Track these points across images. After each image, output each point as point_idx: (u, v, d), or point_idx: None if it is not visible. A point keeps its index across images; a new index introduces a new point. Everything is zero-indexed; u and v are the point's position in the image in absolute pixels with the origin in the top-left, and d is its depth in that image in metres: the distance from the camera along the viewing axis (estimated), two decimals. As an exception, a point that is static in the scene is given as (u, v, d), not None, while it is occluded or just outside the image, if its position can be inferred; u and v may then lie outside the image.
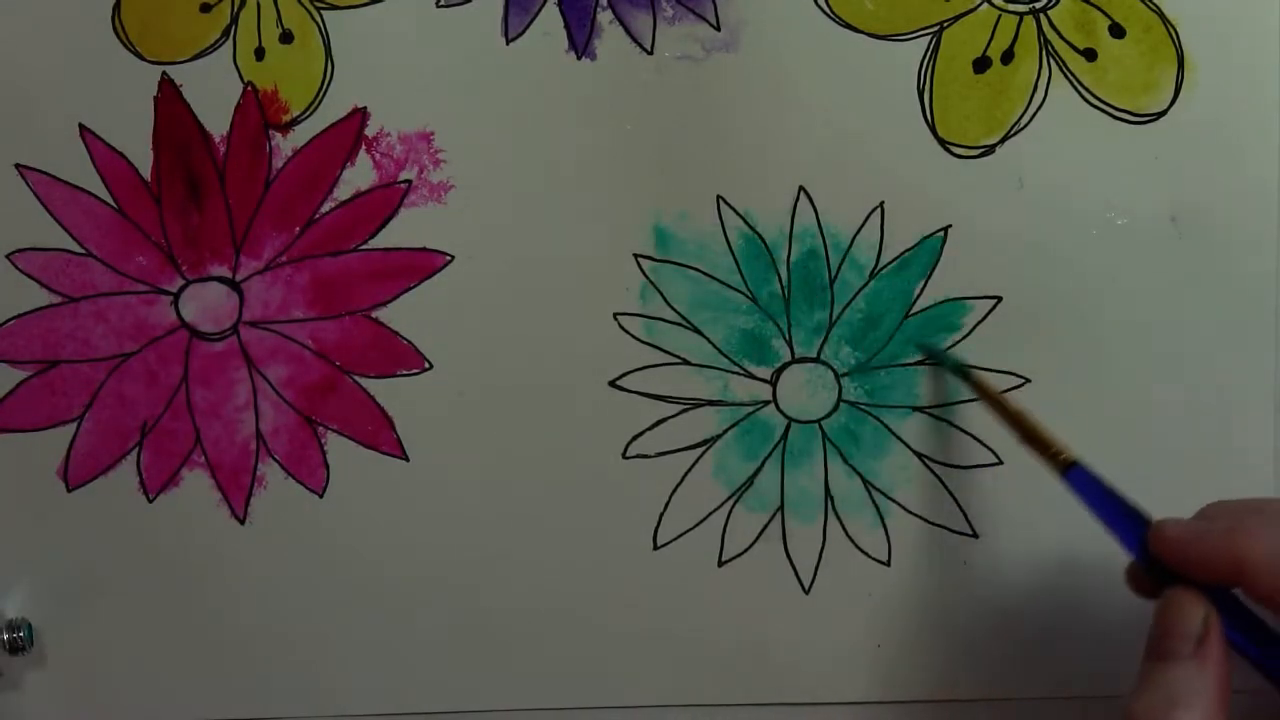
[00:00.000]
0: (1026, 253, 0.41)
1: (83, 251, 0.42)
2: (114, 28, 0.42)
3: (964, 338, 0.42)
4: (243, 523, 0.43)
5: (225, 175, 0.41)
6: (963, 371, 0.40)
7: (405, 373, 0.42)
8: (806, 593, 0.42)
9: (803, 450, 0.42)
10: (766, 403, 0.42)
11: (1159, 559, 0.32)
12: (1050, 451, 0.36)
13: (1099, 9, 0.41)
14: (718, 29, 0.41)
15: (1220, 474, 0.42)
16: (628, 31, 0.41)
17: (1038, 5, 0.41)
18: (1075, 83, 0.41)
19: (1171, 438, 0.42)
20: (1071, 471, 0.36)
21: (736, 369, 0.42)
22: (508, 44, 0.42)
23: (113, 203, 0.42)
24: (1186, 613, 0.31)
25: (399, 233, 0.42)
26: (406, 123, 0.42)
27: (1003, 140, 0.41)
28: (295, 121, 0.42)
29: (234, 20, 0.42)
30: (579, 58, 0.42)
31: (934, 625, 0.42)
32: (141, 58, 0.42)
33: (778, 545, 0.42)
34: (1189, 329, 0.41)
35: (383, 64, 0.42)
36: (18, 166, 0.42)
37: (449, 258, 0.42)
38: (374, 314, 0.42)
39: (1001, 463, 0.42)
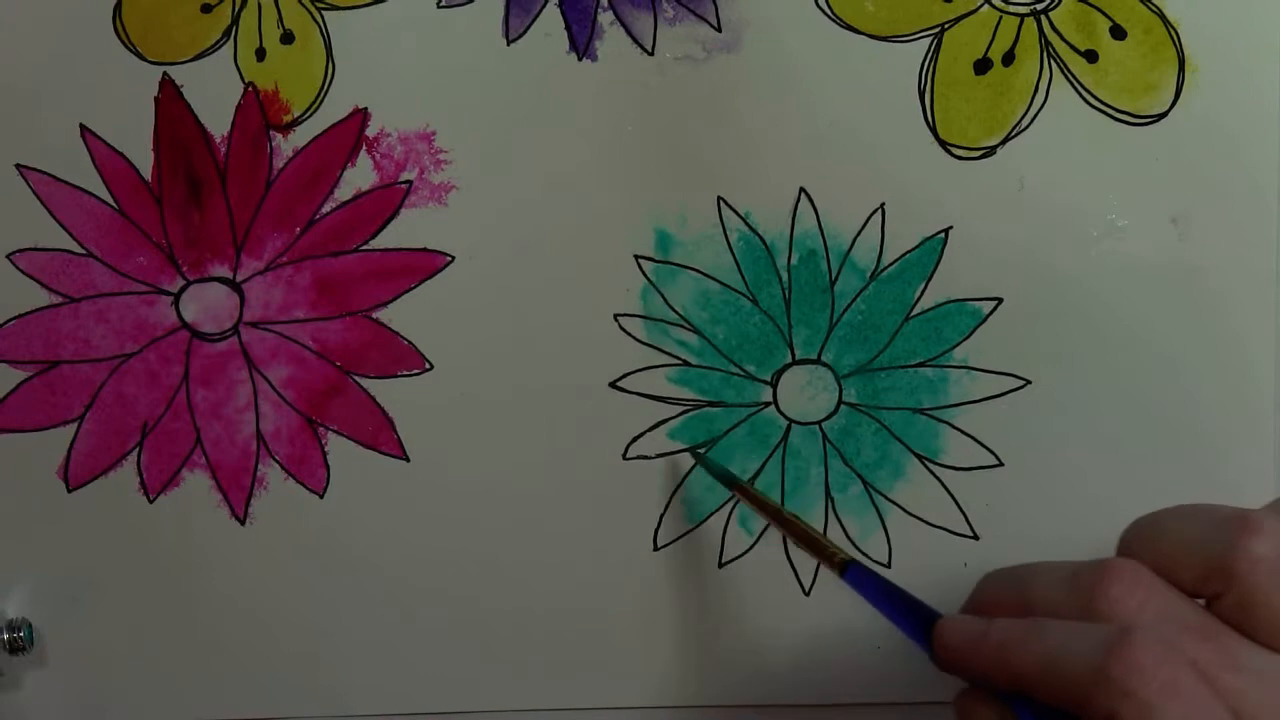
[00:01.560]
0: (1027, 254, 0.41)
1: (83, 252, 0.42)
2: (115, 28, 0.42)
3: (965, 339, 0.42)
4: (243, 523, 0.43)
5: (226, 175, 0.41)
6: (730, 480, 0.40)
7: (406, 373, 0.42)
8: (807, 594, 0.42)
9: (803, 452, 0.42)
10: (767, 404, 0.42)
11: (946, 667, 0.31)
12: (826, 553, 0.35)
13: (1100, 10, 0.41)
14: (719, 30, 0.41)
15: (1220, 474, 0.42)
16: (628, 32, 0.41)
17: (1039, 7, 0.41)
18: (1076, 84, 0.41)
19: (1171, 438, 0.42)
20: (849, 572, 0.34)
21: (737, 370, 0.42)
22: (509, 45, 0.42)
23: (113, 203, 0.42)
24: (979, 716, 0.30)
25: (400, 233, 0.42)
26: (407, 123, 0.42)
27: (1004, 142, 0.41)
28: (296, 122, 0.42)
29: (235, 20, 0.42)
30: (580, 59, 0.42)
31: (934, 627, 0.42)
32: (142, 58, 0.42)
33: (778, 547, 0.42)
34: (1189, 330, 0.41)
35: (384, 64, 0.42)
36: (18, 166, 0.42)
37: (450, 258, 0.42)
38: (375, 314, 0.42)
39: (1002, 464, 0.42)
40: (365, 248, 0.42)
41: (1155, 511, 0.32)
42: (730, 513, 0.42)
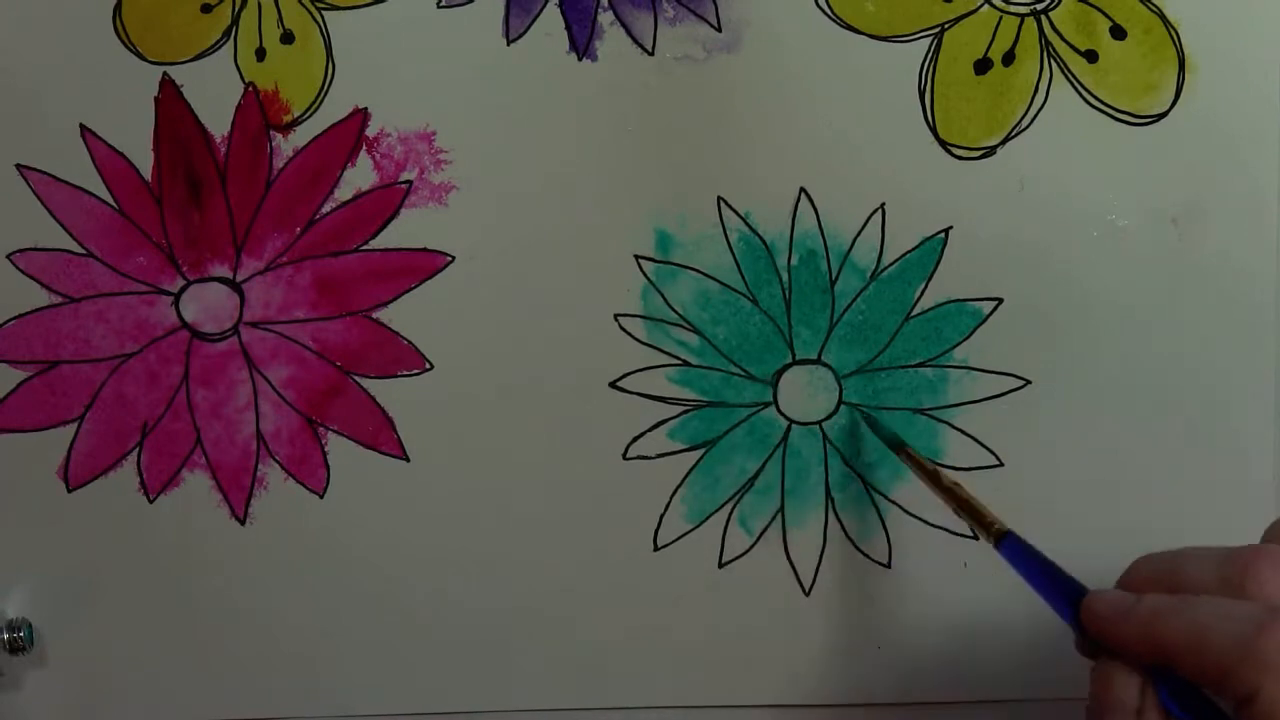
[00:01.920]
0: (1027, 254, 0.41)
1: (83, 252, 0.42)
2: (115, 28, 0.42)
3: (965, 339, 0.42)
4: (243, 523, 0.42)
5: (226, 175, 0.41)
6: (898, 445, 0.40)
7: (406, 373, 0.42)
8: (807, 594, 0.42)
9: (803, 452, 0.42)
10: (767, 404, 0.42)
11: (1092, 636, 0.31)
12: (984, 522, 0.36)
13: (1100, 10, 0.41)
14: (719, 30, 0.41)
15: (1221, 475, 0.42)
16: (629, 32, 0.41)
17: (1039, 7, 0.41)
18: (1076, 84, 0.41)
19: (1172, 438, 0.42)
20: (1004, 542, 0.35)
21: (737, 371, 0.42)
22: (509, 45, 0.42)
23: (113, 203, 0.42)
24: (1122, 687, 0.30)
25: (400, 233, 0.42)
26: (407, 123, 0.42)
27: (1004, 142, 0.41)
28: (296, 122, 0.42)
29: (235, 20, 0.42)
30: (580, 58, 0.42)
31: (934, 627, 0.42)
32: (142, 58, 0.42)
33: (778, 547, 0.42)
34: (1190, 330, 0.41)
35: (384, 64, 0.42)
36: (18, 166, 0.42)
37: (450, 258, 0.42)
38: (375, 314, 0.42)
39: (1002, 464, 0.42)
40: (365, 248, 0.42)
41: None
42: (730, 513, 0.42)
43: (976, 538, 0.42)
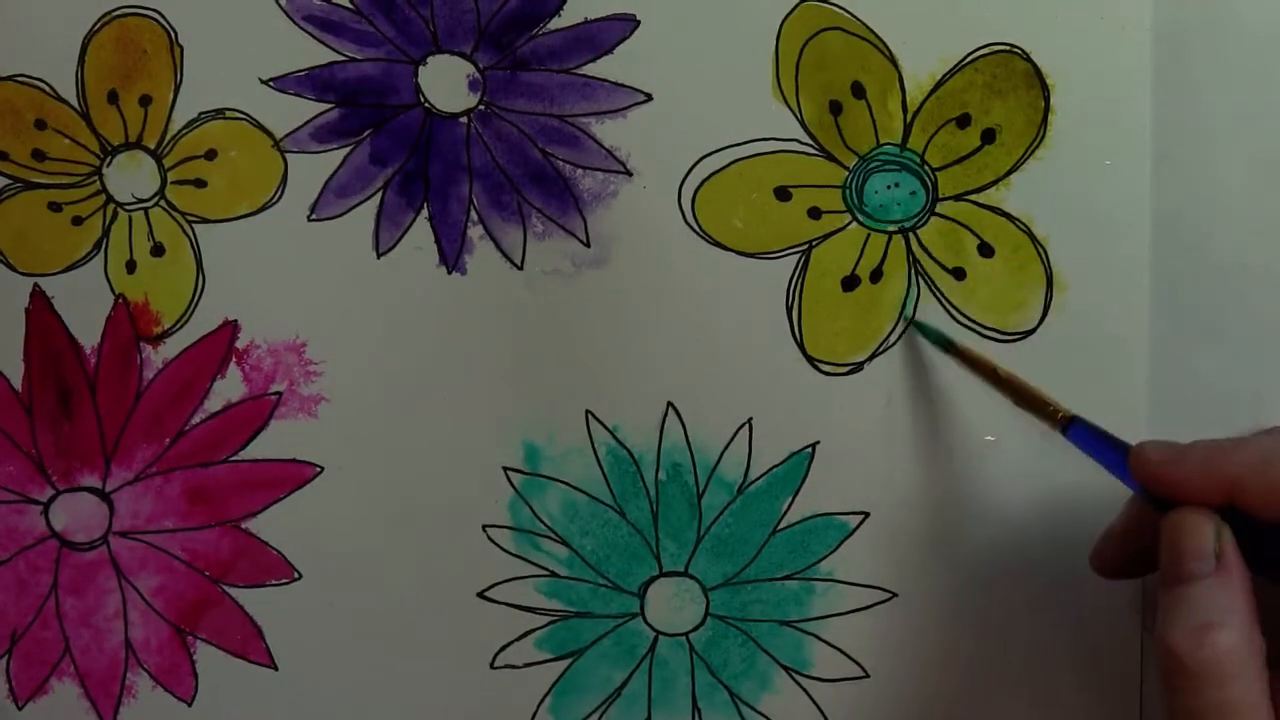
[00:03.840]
0: (894, 468, 0.42)
1: (-44, 457, 0.42)
2: (-11, 234, 0.42)
3: (832, 552, 0.42)
4: (112, 731, 0.43)
5: (96, 386, 0.42)
6: (947, 343, 0.40)
7: (275, 582, 0.42)
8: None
9: (670, 663, 0.42)
10: (634, 615, 0.42)
11: (1144, 485, 0.32)
12: (1048, 410, 0.37)
13: (968, 228, 0.41)
14: (587, 245, 0.41)
15: (1086, 683, 0.42)
16: (498, 246, 0.42)
17: (907, 224, 0.41)
18: (944, 301, 0.41)
19: (1038, 655, 0.42)
20: (1072, 429, 0.36)
21: (605, 582, 0.42)
22: (379, 257, 0.42)
23: (-15, 410, 0.42)
24: (1198, 530, 0.30)
25: (270, 444, 0.42)
26: (277, 335, 0.42)
27: (871, 358, 0.42)
28: (166, 333, 0.42)
29: (105, 233, 0.42)
30: (450, 272, 0.42)
31: None
32: (13, 269, 0.42)
33: (643, 763, 0.42)
34: (1058, 542, 0.42)
35: (254, 277, 0.42)
36: (-107, 370, 0.42)
37: (319, 469, 0.42)
38: (244, 524, 0.42)
39: (868, 675, 0.42)
40: (235, 458, 0.42)
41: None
42: (597, 722, 0.43)
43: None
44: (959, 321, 0.41)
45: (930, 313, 0.41)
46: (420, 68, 0.41)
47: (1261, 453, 0.29)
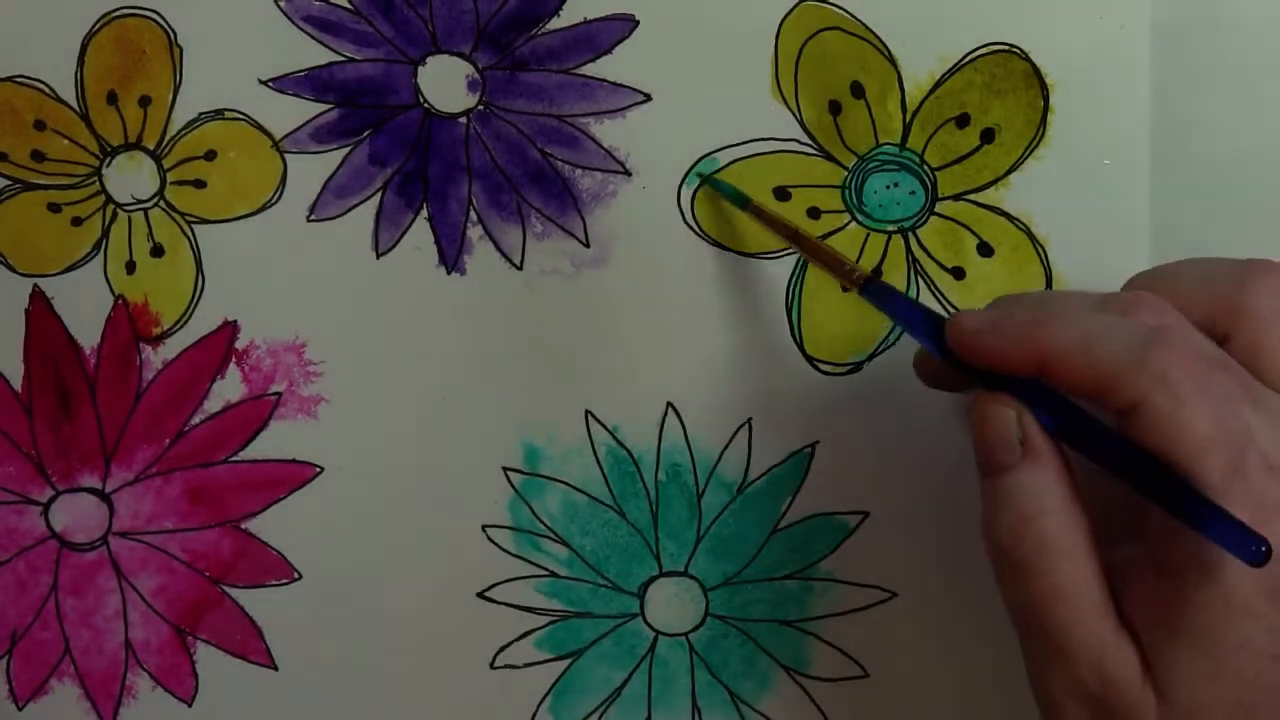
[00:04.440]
0: (894, 468, 0.42)
1: (-45, 458, 0.42)
2: (-12, 236, 0.42)
3: (832, 552, 0.42)
4: (112, 732, 0.43)
5: (96, 387, 0.42)
6: (744, 201, 0.39)
7: (275, 583, 0.42)
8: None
9: (670, 663, 0.42)
10: (634, 615, 0.42)
11: (959, 354, 0.31)
12: (845, 269, 0.36)
13: (967, 228, 0.41)
14: (587, 245, 0.41)
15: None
16: (497, 247, 0.42)
17: (906, 224, 0.41)
18: (944, 300, 0.41)
19: (1036, 654, 0.42)
20: (866, 287, 0.35)
21: (605, 582, 0.42)
22: (378, 258, 0.42)
23: (-16, 412, 0.42)
24: (1001, 419, 0.30)
25: (270, 444, 0.42)
26: (277, 336, 0.42)
27: (870, 358, 0.42)
28: (166, 334, 0.42)
29: (105, 234, 0.42)
30: (449, 272, 0.42)
31: (793, 847, 0.42)
32: (13, 270, 0.42)
33: (645, 762, 0.43)
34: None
35: (254, 277, 0.42)
36: (-108, 371, 0.42)
37: (319, 469, 0.42)
38: (244, 525, 0.42)
39: (867, 675, 0.42)
40: (235, 459, 0.42)
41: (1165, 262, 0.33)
42: (597, 722, 0.43)
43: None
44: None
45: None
46: (419, 68, 0.41)
47: (1086, 333, 0.28)
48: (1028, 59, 0.40)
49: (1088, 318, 0.29)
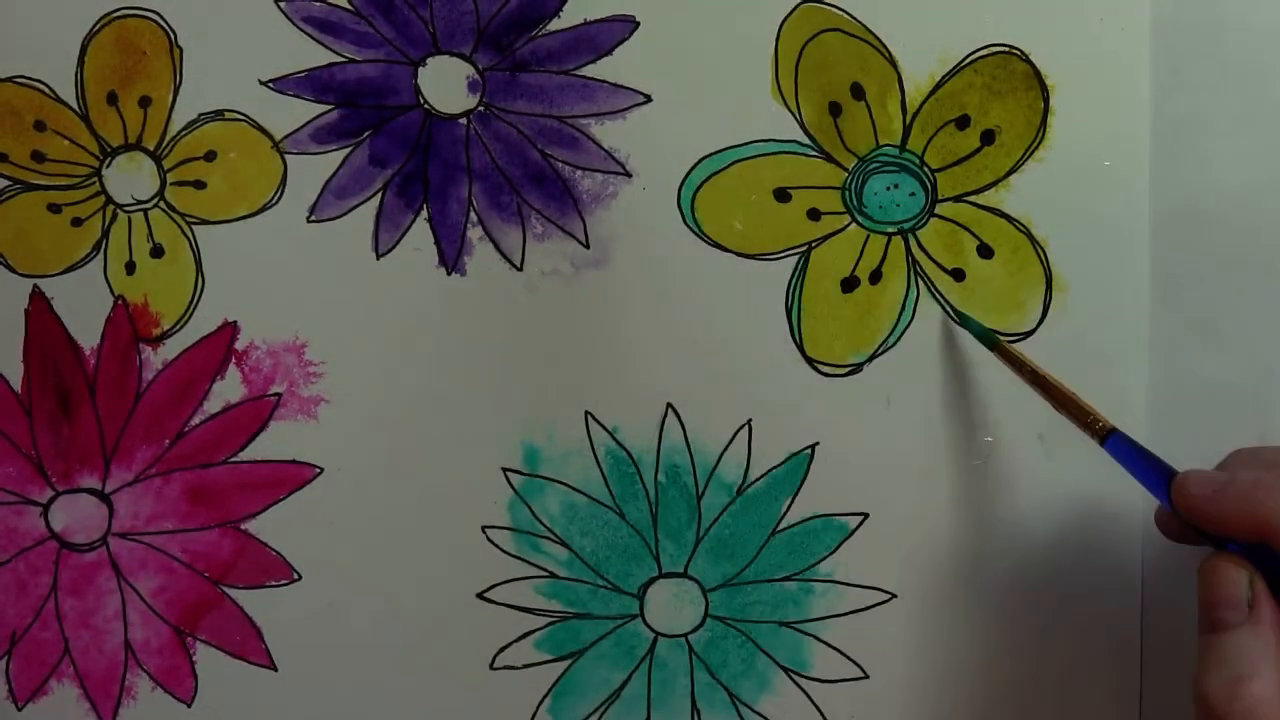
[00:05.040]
0: (894, 469, 0.42)
1: (-45, 458, 0.42)
2: (-12, 236, 0.42)
3: (831, 553, 0.42)
4: (111, 732, 0.43)
5: (95, 387, 0.42)
6: (992, 341, 0.40)
7: (274, 583, 0.42)
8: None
9: (670, 664, 0.42)
10: (634, 616, 0.42)
11: (1184, 516, 0.32)
12: (1088, 420, 0.37)
13: (967, 229, 0.41)
14: (586, 246, 0.41)
15: (1089, 685, 0.42)
16: (497, 248, 0.42)
17: (906, 226, 0.41)
18: (944, 302, 0.41)
19: (1038, 650, 0.42)
20: (1110, 440, 0.36)
21: (604, 583, 0.42)
22: (378, 259, 0.42)
23: (-16, 411, 0.42)
24: (1230, 579, 0.31)
25: (269, 445, 0.42)
26: (277, 337, 0.42)
27: (870, 359, 0.42)
28: (166, 335, 0.42)
29: (105, 234, 0.42)
30: (449, 273, 0.42)
31: None
32: (13, 270, 0.42)
33: (640, 764, 0.42)
34: (1056, 544, 0.42)
35: (254, 278, 0.42)
36: (-108, 371, 0.42)
37: (319, 470, 0.42)
38: (244, 525, 0.42)
39: (868, 677, 0.42)
40: (234, 459, 0.42)
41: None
42: (597, 723, 0.43)
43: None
44: (958, 322, 0.41)
45: (930, 314, 0.41)
46: (420, 69, 0.41)
47: None
48: (1028, 60, 0.40)
49: None
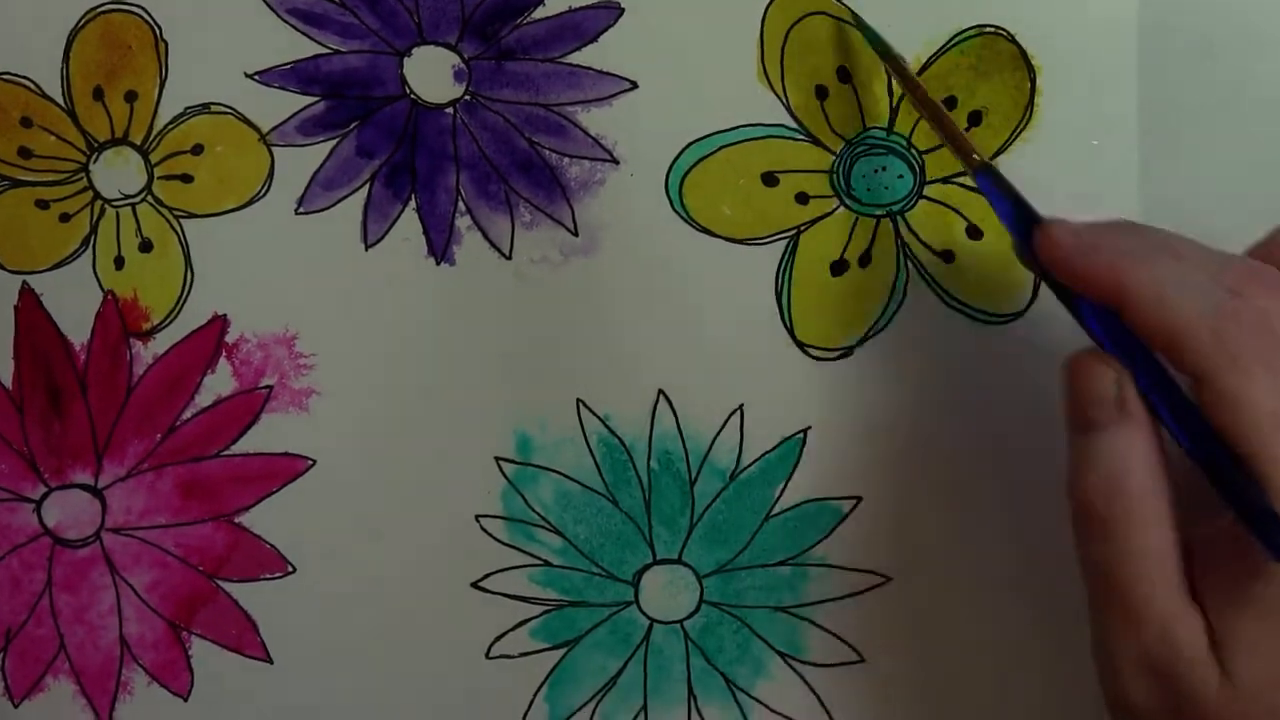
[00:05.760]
0: (886, 453, 0.42)
1: (-54, 457, 0.42)
2: (-24, 234, 0.42)
3: (825, 537, 0.42)
4: (108, 728, 0.43)
5: (86, 383, 0.42)
6: (885, 50, 0.39)
7: (269, 576, 0.42)
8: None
9: (665, 650, 0.42)
10: (629, 604, 0.42)
11: (1044, 264, 0.32)
12: (966, 151, 0.36)
13: (956, 211, 0.41)
14: (575, 234, 0.41)
15: (1082, 667, 0.42)
16: (486, 236, 0.42)
17: (895, 208, 0.41)
18: (933, 284, 0.41)
19: (1033, 633, 0.42)
20: (979, 174, 0.36)
21: (599, 570, 0.42)
22: (367, 250, 0.42)
23: (-26, 410, 0.42)
24: (1099, 377, 0.30)
25: (262, 437, 0.42)
26: (267, 329, 0.42)
27: (861, 342, 0.42)
28: (156, 329, 0.42)
29: (93, 229, 0.42)
30: (438, 263, 0.42)
31: (792, 830, 0.42)
32: (2, 267, 0.42)
33: (640, 753, 0.42)
34: (1051, 529, 0.42)
35: (243, 271, 0.42)
36: (-117, 370, 0.42)
37: (311, 461, 0.42)
38: (237, 518, 0.42)
39: (863, 660, 0.42)
40: (227, 453, 0.42)
41: None
42: (593, 712, 0.42)
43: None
44: (948, 304, 0.41)
45: (920, 296, 0.41)
46: (405, 59, 0.41)
47: (1157, 282, 0.28)
48: (1014, 41, 0.40)
49: (1174, 267, 0.29)
